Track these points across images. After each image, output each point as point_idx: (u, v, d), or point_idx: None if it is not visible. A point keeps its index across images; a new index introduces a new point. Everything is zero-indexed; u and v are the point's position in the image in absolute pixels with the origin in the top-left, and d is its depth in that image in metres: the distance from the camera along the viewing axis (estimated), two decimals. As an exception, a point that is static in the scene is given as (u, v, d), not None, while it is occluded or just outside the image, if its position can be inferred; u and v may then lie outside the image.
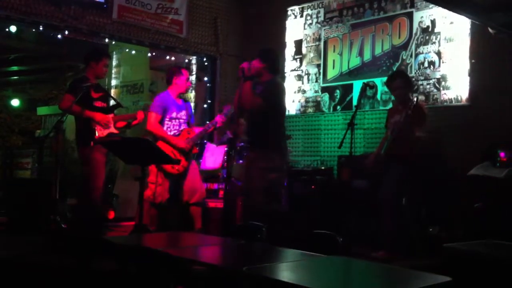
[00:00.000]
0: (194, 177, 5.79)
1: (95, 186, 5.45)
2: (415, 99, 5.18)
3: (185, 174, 5.70)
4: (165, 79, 9.04)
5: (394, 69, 6.54)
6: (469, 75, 5.92)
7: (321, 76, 7.44)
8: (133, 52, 8.62)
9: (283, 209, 5.04)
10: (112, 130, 5.59)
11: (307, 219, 6.02)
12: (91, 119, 5.46)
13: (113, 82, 10.11)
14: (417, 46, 6.40)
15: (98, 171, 5.48)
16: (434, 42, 6.25)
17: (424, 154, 5.21)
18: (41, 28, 6.65)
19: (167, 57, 8.45)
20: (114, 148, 5.27)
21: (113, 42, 7.83)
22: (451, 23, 6.10)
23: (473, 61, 5.90)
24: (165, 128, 5.66)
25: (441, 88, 6.15)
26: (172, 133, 5.68)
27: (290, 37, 7.91)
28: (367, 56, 6.91)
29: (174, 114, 5.70)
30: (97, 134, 5.44)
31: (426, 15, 6.33)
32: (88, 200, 5.48)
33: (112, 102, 5.89)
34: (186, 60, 8.55)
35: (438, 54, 6.20)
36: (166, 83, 5.95)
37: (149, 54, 8.63)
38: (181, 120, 5.75)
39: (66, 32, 6.84)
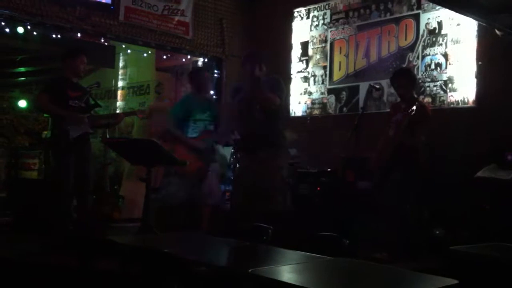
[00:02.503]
0: (212, 179, 5.80)
1: (64, 189, 5.33)
2: (423, 99, 5.15)
3: (200, 174, 5.69)
4: (170, 80, 9.18)
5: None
6: (476, 77, 5.90)
7: (327, 77, 7.43)
8: (140, 53, 8.64)
9: (288, 210, 5.03)
10: (87, 130, 5.45)
11: (312, 220, 6.01)
12: (63, 119, 5.29)
13: (120, 84, 10.14)
14: (424, 48, 6.38)
15: (65, 175, 5.31)
16: (441, 44, 6.23)
17: (430, 157, 5.18)
18: (48, 29, 6.67)
19: (173, 59, 8.47)
20: (119, 149, 5.28)
21: (123, 45, 7.83)
22: (458, 25, 6.08)
23: (480, 63, 5.88)
24: (190, 129, 5.64)
25: (448, 90, 6.13)
26: (195, 134, 5.66)
27: (296, 39, 7.90)
28: (373, 57, 6.89)
29: (197, 116, 5.70)
30: (71, 135, 5.27)
31: (432, 16, 6.32)
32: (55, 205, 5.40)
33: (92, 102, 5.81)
34: (192, 62, 8.56)
35: (445, 56, 6.18)
36: (191, 86, 5.96)
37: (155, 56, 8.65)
38: (206, 122, 5.73)
39: (73, 33, 6.85)
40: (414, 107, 4.86)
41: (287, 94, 5.17)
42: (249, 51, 5.23)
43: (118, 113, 5.84)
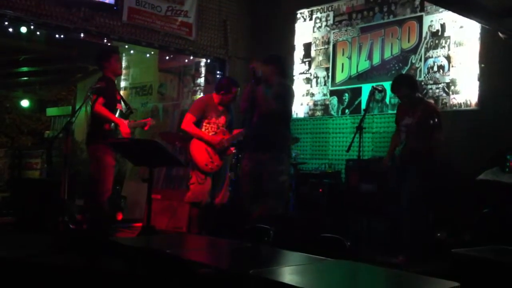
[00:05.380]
0: (222, 180, 5.84)
1: (105, 188, 5.45)
2: (431, 101, 5.17)
3: (220, 173, 5.73)
4: (174, 81, 9.19)
5: (403, 73, 6.51)
6: (479, 79, 5.90)
7: (330, 79, 7.44)
8: (143, 54, 8.65)
9: (290, 212, 5.04)
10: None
11: (314, 222, 6.01)
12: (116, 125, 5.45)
13: (122, 84, 10.14)
14: (427, 50, 6.38)
15: (108, 172, 5.46)
16: (444, 46, 6.23)
17: (438, 160, 5.18)
18: (51, 30, 6.68)
19: (176, 59, 8.48)
20: (122, 150, 5.29)
21: (126, 46, 7.84)
22: (461, 27, 6.08)
23: (482, 65, 5.87)
24: (203, 130, 5.69)
25: (451, 93, 6.13)
26: (209, 134, 5.71)
27: (299, 40, 7.91)
28: (376, 59, 6.89)
29: (213, 120, 5.73)
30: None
31: (435, 19, 6.32)
32: (97, 202, 5.49)
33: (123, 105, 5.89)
34: (195, 62, 8.57)
35: (448, 58, 6.18)
36: (214, 89, 6.00)
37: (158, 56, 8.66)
38: (219, 125, 5.76)
39: (76, 34, 6.87)
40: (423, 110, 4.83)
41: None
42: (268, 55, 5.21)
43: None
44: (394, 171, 5.29)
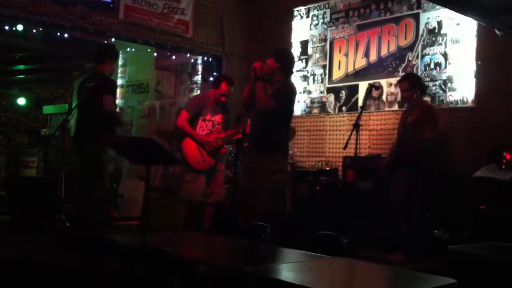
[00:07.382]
0: (217, 178, 5.83)
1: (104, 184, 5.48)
2: (427, 99, 5.18)
3: (212, 172, 5.73)
4: (170, 78, 9.18)
5: (400, 70, 6.53)
6: (475, 76, 5.90)
7: (327, 77, 7.44)
8: (139, 51, 8.64)
9: (286, 210, 5.03)
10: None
11: (311, 220, 6.02)
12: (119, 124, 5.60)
13: (119, 82, 10.13)
14: (423, 47, 6.38)
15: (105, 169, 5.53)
16: (441, 44, 6.23)
17: (431, 155, 5.19)
18: (47, 28, 6.67)
19: (173, 57, 8.47)
20: (119, 147, 5.29)
21: (120, 42, 7.84)
22: (458, 24, 6.08)
23: (479, 62, 5.88)
24: (198, 127, 5.71)
25: (447, 90, 6.13)
26: (204, 133, 5.71)
27: (296, 38, 7.90)
28: (373, 57, 6.89)
29: (208, 117, 5.74)
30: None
31: (432, 16, 6.32)
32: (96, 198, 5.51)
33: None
34: (192, 60, 8.56)
35: (444, 55, 6.19)
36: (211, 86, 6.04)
37: (155, 54, 8.65)
38: (214, 122, 5.77)
39: (73, 32, 6.85)
40: (419, 108, 4.85)
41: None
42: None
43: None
44: (391, 167, 5.30)
